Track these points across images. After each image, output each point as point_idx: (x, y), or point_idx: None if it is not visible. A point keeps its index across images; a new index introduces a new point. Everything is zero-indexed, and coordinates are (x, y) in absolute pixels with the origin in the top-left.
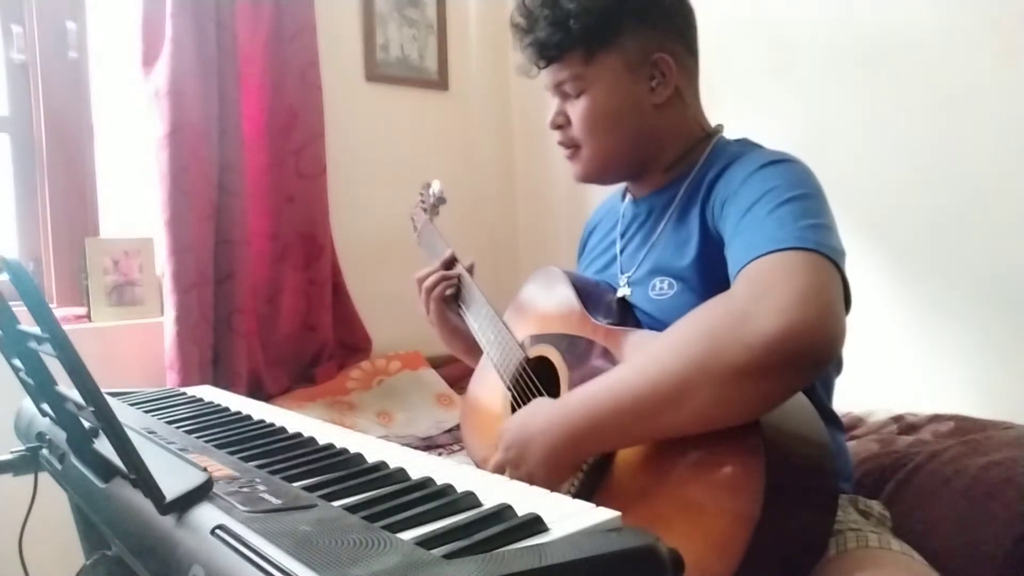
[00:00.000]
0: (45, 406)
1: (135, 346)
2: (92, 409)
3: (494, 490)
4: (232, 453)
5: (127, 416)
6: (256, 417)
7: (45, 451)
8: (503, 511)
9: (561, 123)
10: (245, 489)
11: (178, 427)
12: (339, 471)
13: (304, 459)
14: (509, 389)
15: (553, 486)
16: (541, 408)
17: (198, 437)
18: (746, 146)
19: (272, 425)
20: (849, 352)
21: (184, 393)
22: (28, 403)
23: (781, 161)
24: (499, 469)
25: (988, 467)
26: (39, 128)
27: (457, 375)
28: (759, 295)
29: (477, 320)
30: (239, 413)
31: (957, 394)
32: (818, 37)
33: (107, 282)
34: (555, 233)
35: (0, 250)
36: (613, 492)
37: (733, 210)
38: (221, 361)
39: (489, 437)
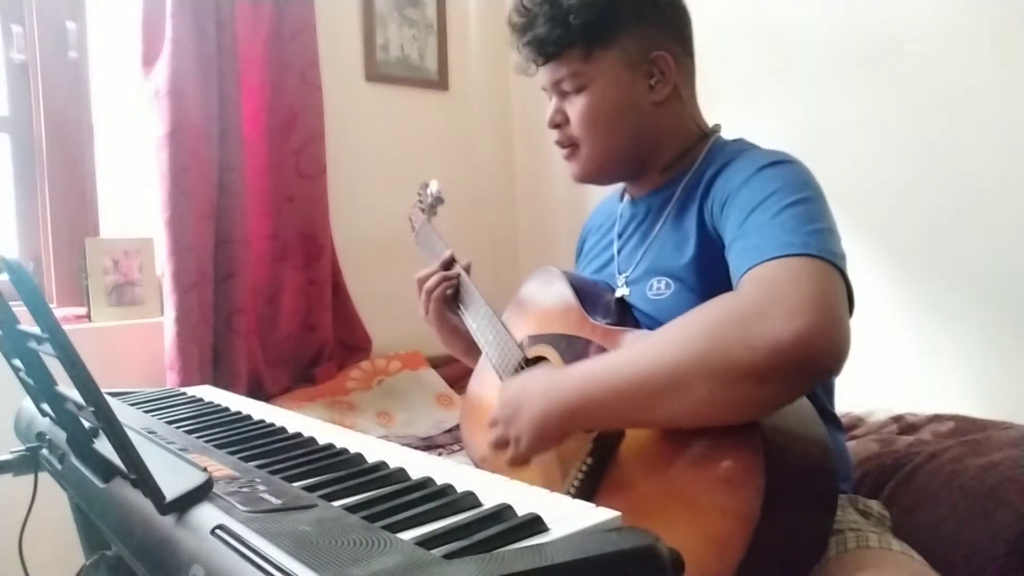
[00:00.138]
0: (45, 406)
1: (135, 346)
2: (92, 409)
3: (494, 490)
4: (232, 453)
5: (127, 416)
6: (256, 417)
7: (45, 451)
8: (503, 511)
9: (559, 121)
10: (245, 489)
11: (178, 427)
12: (339, 471)
13: (304, 459)
14: None
15: (537, 452)
16: (543, 375)
17: (198, 437)
18: (743, 146)
19: (272, 425)
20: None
21: (184, 393)
22: (28, 403)
23: (781, 162)
24: (493, 423)
25: (988, 467)
26: (39, 128)
27: (457, 375)
28: (768, 299)
29: (476, 320)
30: (239, 413)
31: (957, 394)
32: (818, 37)
33: (107, 282)
34: (555, 233)
35: (0, 250)
36: (613, 492)
37: (734, 212)
38: (221, 361)
39: (488, 437)
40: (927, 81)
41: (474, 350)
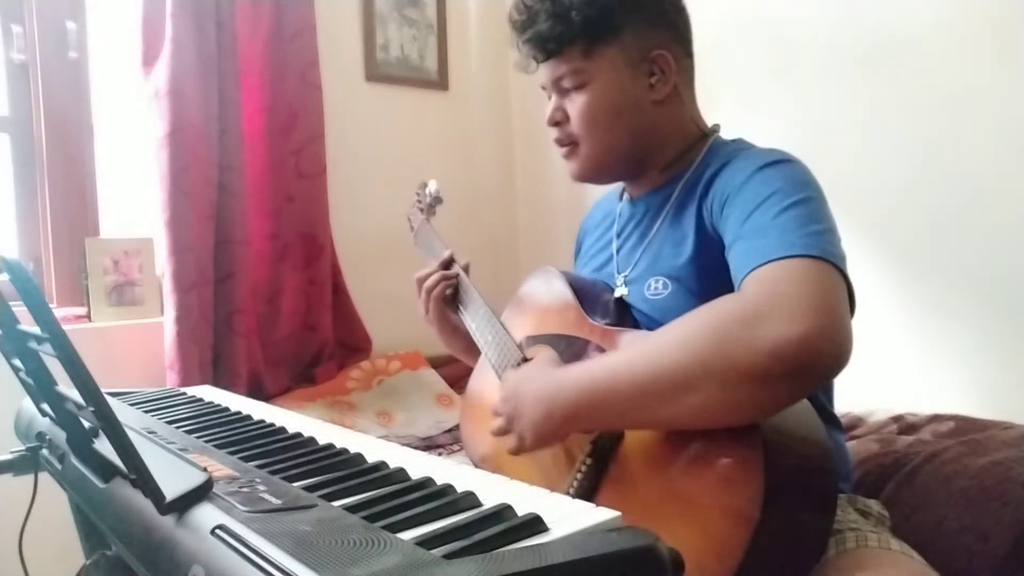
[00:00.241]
0: (45, 406)
1: (135, 346)
2: (92, 409)
3: (494, 490)
4: (232, 453)
5: (127, 416)
6: (256, 417)
7: (45, 451)
8: (503, 511)
9: (559, 119)
10: (245, 489)
11: (178, 427)
12: (339, 471)
13: (304, 459)
14: None
15: (539, 449)
16: (542, 373)
17: (198, 437)
18: (743, 145)
19: (272, 425)
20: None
21: (184, 393)
22: (28, 403)
23: (781, 162)
24: (496, 415)
25: (988, 467)
26: (39, 128)
27: (457, 375)
28: (770, 301)
29: (475, 320)
30: (239, 413)
31: (957, 394)
32: (818, 37)
33: (107, 282)
34: (555, 233)
35: (0, 250)
36: (613, 492)
37: (735, 212)
38: (221, 361)
39: (488, 436)
40: (927, 81)
41: (474, 349)
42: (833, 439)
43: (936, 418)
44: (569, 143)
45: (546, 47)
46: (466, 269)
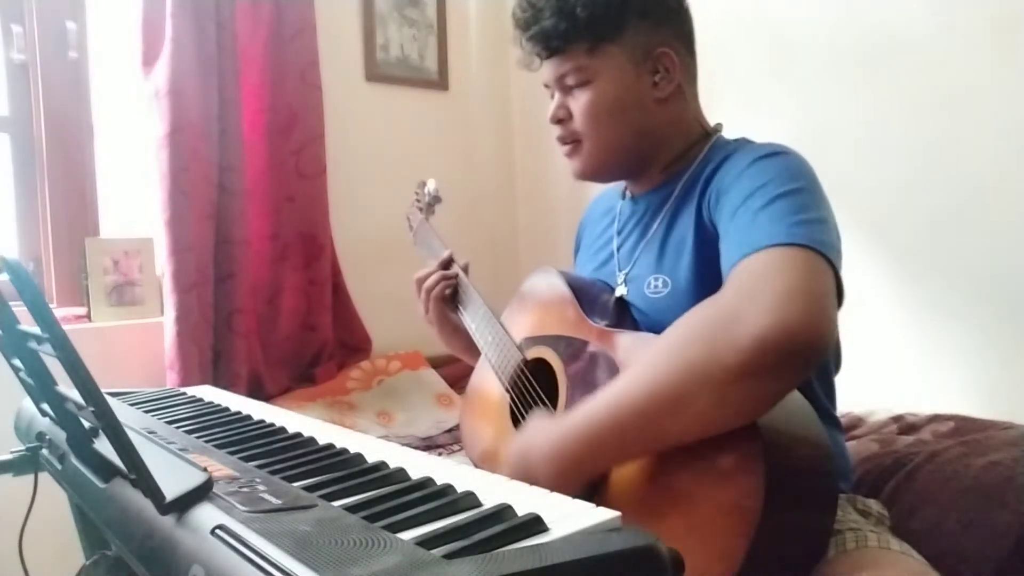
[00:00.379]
0: (45, 406)
1: (135, 346)
2: (92, 409)
3: (494, 490)
4: (232, 453)
5: (127, 416)
6: (256, 417)
7: (45, 451)
8: (503, 511)
9: (562, 116)
10: (245, 489)
11: (178, 427)
12: (339, 471)
13: (304, 459)
14: (507, 391)
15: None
16: (541, 432)
17: (198, 437)
18: (744, 143)
19: (272, 425)
20: (849, 352)
21: (184, 393)
22: (28, 403)
23: (775, 154)
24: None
25: (988, 467)
26: (39, 128)
27: (457, 375)
28: (748, 295)
29: (474, 321)
30: (239, 413)
31: (957, 394)
32: (818, 37)
33: (107, 282)
34: (555, 233)
35: (0, 250)
36: (613, 492)
37: (727, 204)
38: (221, 361)
39: (488, 436)
40: (927, 81)
41: (475, 348)
42: (833, 439)
43: (936, 418)
44: (572, 141)
45: (550, 44)
46: (465, 269)
